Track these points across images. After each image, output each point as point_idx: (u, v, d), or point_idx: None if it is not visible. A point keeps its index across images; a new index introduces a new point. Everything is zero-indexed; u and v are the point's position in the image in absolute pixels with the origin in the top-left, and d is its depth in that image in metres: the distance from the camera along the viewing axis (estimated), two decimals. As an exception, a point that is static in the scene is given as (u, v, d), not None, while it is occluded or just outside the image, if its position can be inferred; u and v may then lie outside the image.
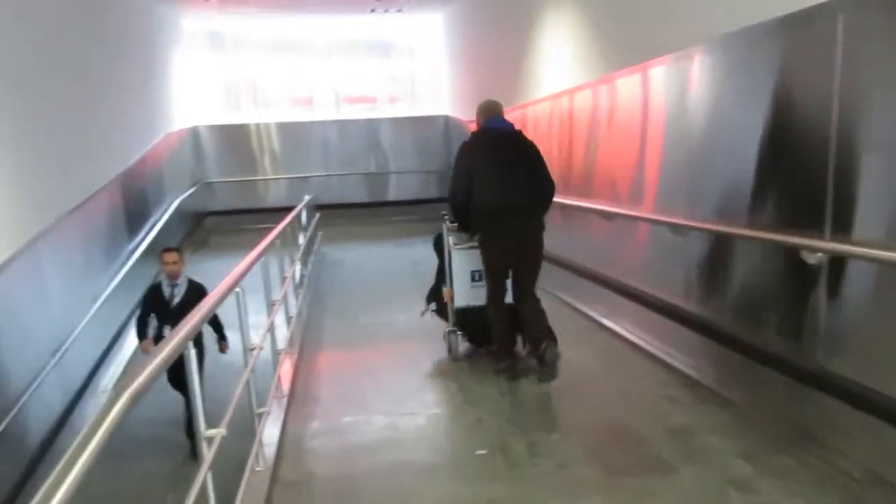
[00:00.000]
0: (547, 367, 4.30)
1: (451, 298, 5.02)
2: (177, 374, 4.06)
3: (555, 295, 7.02)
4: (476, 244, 4.72)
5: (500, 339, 4.73)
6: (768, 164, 3.79)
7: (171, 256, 4.69)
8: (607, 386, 4.65)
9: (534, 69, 8.03)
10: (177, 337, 2.16)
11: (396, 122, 13.99)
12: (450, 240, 4.96)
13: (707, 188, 4.45)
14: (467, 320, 5.04)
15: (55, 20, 6.38)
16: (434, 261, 5.41)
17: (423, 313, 5.44)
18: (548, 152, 7.43)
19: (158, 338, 4.52)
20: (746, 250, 4.04)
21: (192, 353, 2.26)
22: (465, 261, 4.94)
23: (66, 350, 5.37)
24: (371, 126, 13.90)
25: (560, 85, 7.10)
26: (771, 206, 3.79)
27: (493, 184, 4.41)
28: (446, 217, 5.00)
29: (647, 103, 5.24)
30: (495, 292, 4.66)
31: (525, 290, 4.56)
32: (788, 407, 3.66)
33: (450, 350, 5.12)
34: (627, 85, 5.54)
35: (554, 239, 7.34)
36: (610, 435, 3.84)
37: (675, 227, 4.70)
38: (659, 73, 5.03)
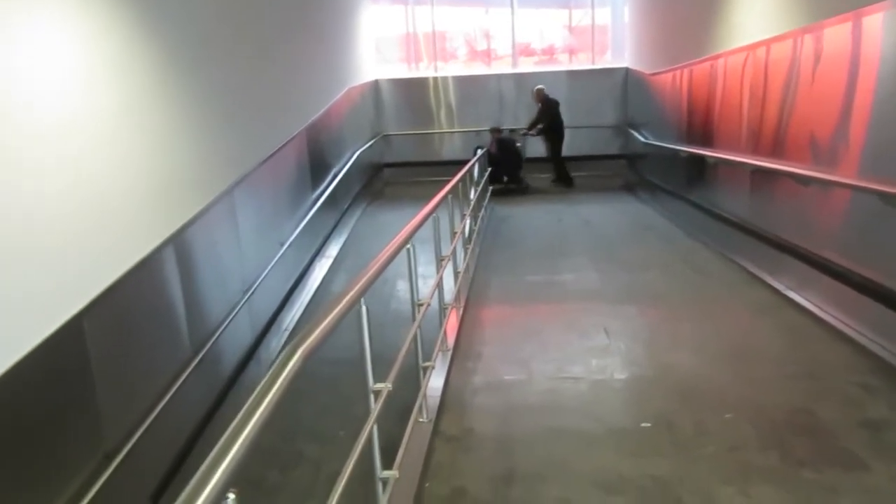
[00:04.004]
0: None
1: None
2: None
3: (734, 261, 6.58)
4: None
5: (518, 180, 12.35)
6: None
7: None
8: (790, 366, 4.29)
9: (726, 18, 7.41)
10: (350, 293, 2.23)
11: (573, 74, 13.55)
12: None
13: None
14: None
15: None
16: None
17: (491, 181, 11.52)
18: (737, 107, 6.93)
19: None
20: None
21: (364, 309, 2.33)
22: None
23: (255, 289, 5.83)
24: (547, 79, 13.61)
25: (756, 35, 6.49)
26: None
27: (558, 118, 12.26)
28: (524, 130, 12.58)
29: (858, 56, 4.65)
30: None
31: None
32: None
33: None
34: (836, 35, 4.95)
35: (736, 202, 6.91)
36: (790, 420, 3.55)
37: (884, 196, 4.19)
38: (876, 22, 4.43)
